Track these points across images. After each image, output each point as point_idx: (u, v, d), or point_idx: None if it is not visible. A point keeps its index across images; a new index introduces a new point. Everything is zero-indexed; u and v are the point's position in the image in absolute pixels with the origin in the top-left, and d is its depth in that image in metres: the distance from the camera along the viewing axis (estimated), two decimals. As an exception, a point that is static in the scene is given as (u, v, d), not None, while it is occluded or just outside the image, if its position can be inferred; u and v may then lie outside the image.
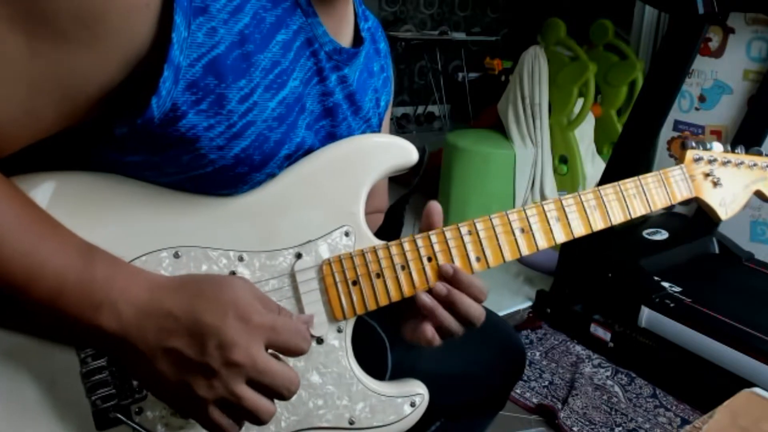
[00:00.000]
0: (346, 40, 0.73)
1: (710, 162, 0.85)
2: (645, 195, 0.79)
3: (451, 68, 5.53)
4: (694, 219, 2.31)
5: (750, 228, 2.31)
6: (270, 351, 0.55)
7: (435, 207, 0.68)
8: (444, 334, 0.66)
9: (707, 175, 0.85)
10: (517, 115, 2.77)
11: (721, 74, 2.36)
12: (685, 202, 0.84)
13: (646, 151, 2.05)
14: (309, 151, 0.67)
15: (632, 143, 1.98)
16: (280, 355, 0.56)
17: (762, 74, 2.21)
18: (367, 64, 0.77)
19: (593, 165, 2.75)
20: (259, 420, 0.54)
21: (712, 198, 0.85)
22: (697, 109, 2.45)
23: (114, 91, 0.53)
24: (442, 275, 0.66)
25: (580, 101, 2.68)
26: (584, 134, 2.75)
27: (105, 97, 0.53)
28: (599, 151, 2.86)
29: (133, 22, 0.50)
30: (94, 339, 0.53)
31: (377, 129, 0.81)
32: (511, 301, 2.31)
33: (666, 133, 2.53)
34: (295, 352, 0.56)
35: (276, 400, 0.56)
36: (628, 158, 1.99)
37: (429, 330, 0.66)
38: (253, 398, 0.53)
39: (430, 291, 0.66)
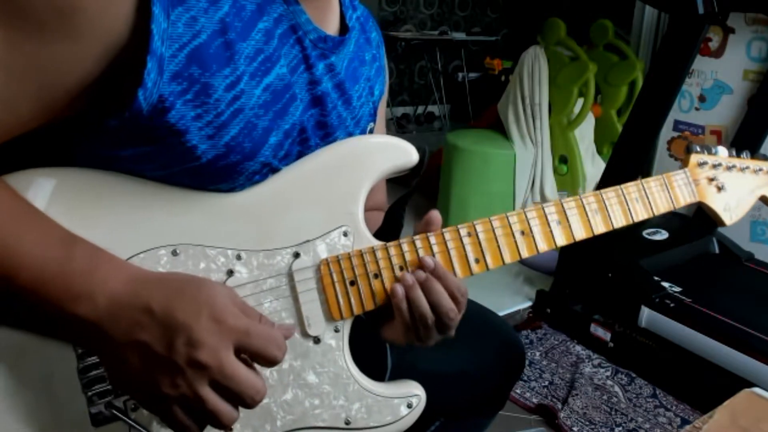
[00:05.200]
0: (331, 28, 0.72)
1: (714, 167, 0.84)
2: (647, 199, 0.78)
3: (451, 68, 5.53)
4: (694, 219, 2.31)
5: (750, 228, 2.30)
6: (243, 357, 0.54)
7: (436, 217, 0.68)
8: (419, 323, 0.65)
9: (711, 179, 0.84)
10: (517, 115, 2.76)
11: (721, 74, 2.36)
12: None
13: (646, 151, 2.04)
14: (300, 136, 0.67)
15: (632, 143, 1.97)
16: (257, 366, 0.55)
17: (762, 74, 2.21)
18: (358, 52, 0.77)
19: (593, 165, 2.75)
20: (220, 424, 0.53)
21: (717, 203, 0.84)
22: (697, 109, 2.45)
23: (97, 84, 0.53)
24: (420, 266, 0.66)
25: (580, 101, 2.68)
26: (584, 134, 2.75)
27: (87, 90, 0.53)
28: (599, 151, 2.85)
29: (110, 13, 0.50)
30: (72, 329, 0.53)
31: (371, 118, 0.81)
32: (511, 301, 2.31)
33: (666, 133, 2.53)
34: (268, 360, 0.55)
35: (273, 402, 0.55)
36: (628, 158, 1.99)
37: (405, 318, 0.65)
38: (215, 401, 0.52)
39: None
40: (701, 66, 2.38)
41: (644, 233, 2.18)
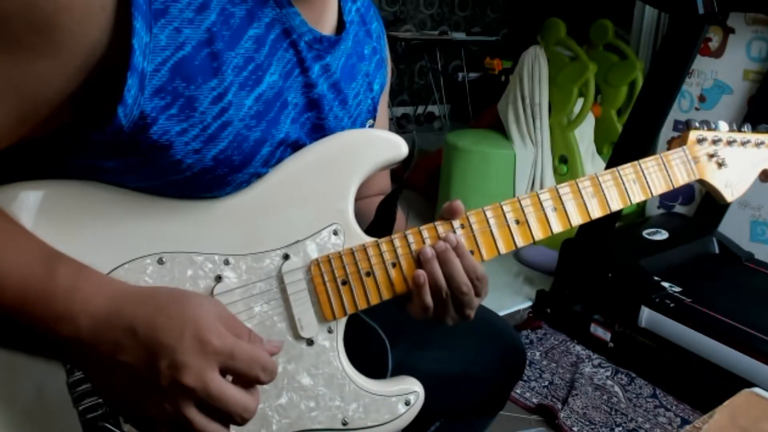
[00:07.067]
0: (327, 26, 0.70)
1: (714, 142, 0.81)
2: (645, 179, 0.76)
3: (451, 68, 5.53)
4: (694, 219, 2.30)
5: (750, 228, 2.29)
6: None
7: (458, 206, 0.67)
8: (436, 296, 0.65)
9: (711, 156, 0.81)
10: (517, 115, 2.76)
11: (721, 74, 2.35)
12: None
13: (646, 152, 2.03)
14: (294, 144, 0.66)
15: (632, 143, 1.97)
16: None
17: (762, 74, 2.20)
18: (356, 47, 0.74)
19: (593, 165, 2.75)
20: None
21: (717, 179, 0.82)
22: (697, 109, 2.44)
23: (79, 96, 0.52)
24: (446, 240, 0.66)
25: (580, 101, 2.67)
26: (584, 134, 2.74)
27: (69, 102, 0.52)
28: (599, 151, 2.85)
29: (88, 27, 0.49)
30: (58, 347, 0.53)
31: (369, 115, 0.79)
32: (511, 301, 2.30)
33: (666, 133, 2.52)
34: (253, 381, 0.55)
35: (267, 407, 0.55)
36: (628, 158, 1.96)
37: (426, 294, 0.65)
38: (202, 423, 0.52)
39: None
40: (701, 66, 2.37)
41: (644, 233, 2.18)
